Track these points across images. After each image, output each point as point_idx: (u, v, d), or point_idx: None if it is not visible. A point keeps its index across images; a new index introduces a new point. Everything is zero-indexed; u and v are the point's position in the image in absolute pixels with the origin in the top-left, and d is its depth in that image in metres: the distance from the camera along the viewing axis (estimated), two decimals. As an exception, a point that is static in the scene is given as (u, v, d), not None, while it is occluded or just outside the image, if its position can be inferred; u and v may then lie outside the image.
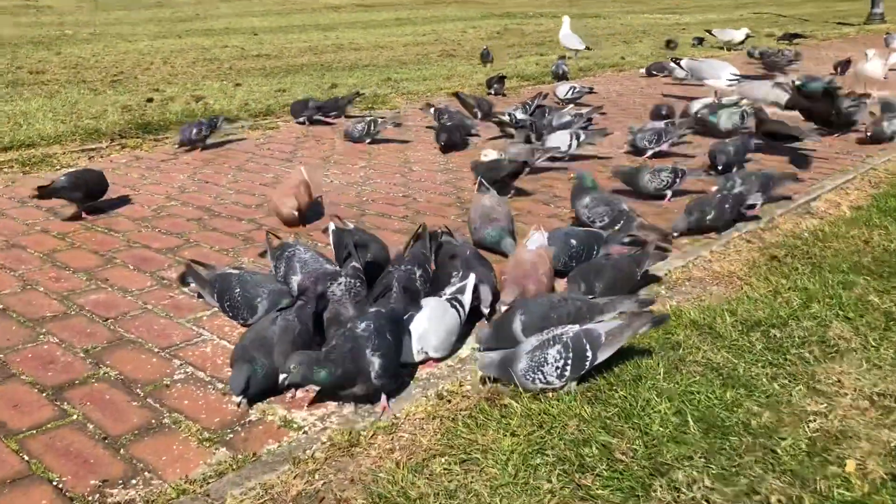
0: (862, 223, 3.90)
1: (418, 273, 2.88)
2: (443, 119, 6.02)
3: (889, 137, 5.69)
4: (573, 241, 3.26)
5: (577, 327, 2.43)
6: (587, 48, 10.27)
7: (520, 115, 5.83)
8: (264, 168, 5.21)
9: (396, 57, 11.26)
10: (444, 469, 2.02)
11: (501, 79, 8.00)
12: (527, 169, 4.48)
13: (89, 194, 4.14)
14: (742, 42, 11.87)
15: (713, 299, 3.03)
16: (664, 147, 5.27)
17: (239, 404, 2.31)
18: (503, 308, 2.73)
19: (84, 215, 4.10)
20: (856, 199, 4.37)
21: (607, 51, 11.75)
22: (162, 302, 3.07)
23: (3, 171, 5.07)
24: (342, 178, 4.95)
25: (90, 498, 1.96)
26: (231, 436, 2.20)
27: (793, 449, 2.07)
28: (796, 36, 12.88)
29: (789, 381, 2.41)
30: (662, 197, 4.29)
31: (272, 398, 2.37)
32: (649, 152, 5.23)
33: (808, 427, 2.17)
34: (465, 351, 2.70)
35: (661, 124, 5.47)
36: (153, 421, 2.27)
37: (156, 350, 2.69)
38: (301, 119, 6.59)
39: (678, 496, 1.91)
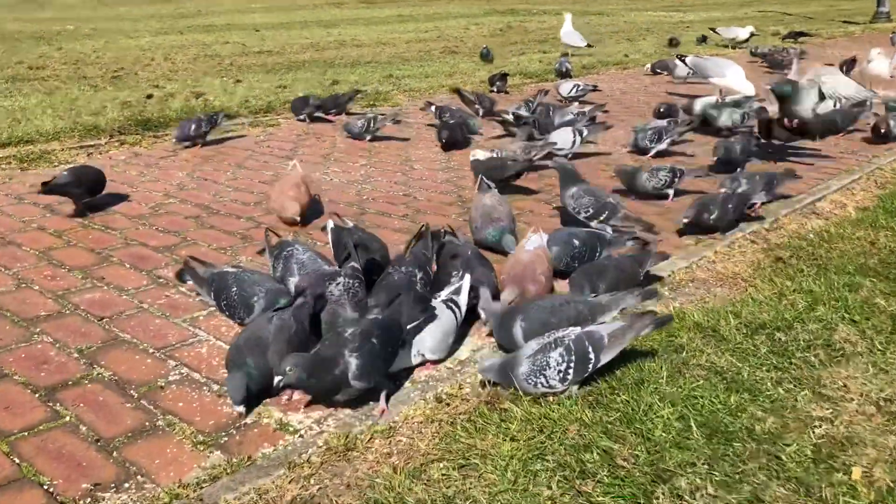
0: (868, 224, 3.86)
1: (419, 275, 2.83)
2: (444, 117, 5.97)
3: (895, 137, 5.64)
4: (576, 242, 3.23)
5: (578, 329, 2.39)
6: (588, 46, 10.21)
7: (522, 113, 5.79)
8: (264, 165, 5.17)
9: (398, 54, 11.22)
10: (443, 474, 1.98)
11: (504, 76, 7.97)
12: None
13: (88, 191, 4.11)
14: (747, 40, 11.81)
15: (717, 301, 2.99)
16: (664, 146, 5.23)
17: (240, 414, 2.27)
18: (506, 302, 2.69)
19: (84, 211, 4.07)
20: (862, 200, 4.32)
21: (611, 48, 11.70)
22: (158, 301, 3.04)
23: (1, 167, 5.03)
24: (342, 175, 4.91)
25: (82, 502, 1.92)
26: (226, 439, 2.17)
27: (798, 455, 2.03)
28: (801, 34, 12.83)
29: (794, 386, 2.37)
30: (663, 197, 4.24)
31: (268, 400, 2.34)
32: (652, 152, 5.20)
33: (814, 433, 2.13)
34: (464, 353, 2.66)
35: (663, 123, 5.45)
36: (147, 423, 2.24)
37: (151, 350, 2.65)
38: (301, 116, 6.56)
39: (681, 504, 1.87)
